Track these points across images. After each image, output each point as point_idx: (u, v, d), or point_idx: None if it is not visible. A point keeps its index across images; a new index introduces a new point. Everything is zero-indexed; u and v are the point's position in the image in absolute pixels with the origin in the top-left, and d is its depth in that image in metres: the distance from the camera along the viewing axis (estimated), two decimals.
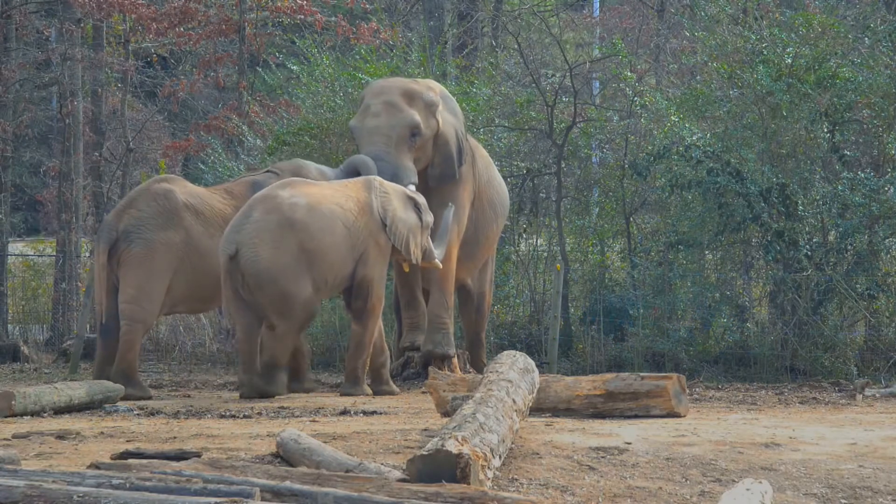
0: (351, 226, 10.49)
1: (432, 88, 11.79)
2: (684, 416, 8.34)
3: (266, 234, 10.22)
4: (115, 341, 10.83)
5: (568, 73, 15.48)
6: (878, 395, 10.58)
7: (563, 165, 14.83)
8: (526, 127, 15.24)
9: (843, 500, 6.43)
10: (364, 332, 10.69)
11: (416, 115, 11.42)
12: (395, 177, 11.14)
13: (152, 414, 9.26)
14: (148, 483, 5.12)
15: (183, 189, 11.09)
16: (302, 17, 17.98)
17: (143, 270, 10.72)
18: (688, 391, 9.13)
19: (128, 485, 5.06)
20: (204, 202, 11.08)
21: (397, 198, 10.82)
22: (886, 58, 12.99)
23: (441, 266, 11.27)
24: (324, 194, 10.53)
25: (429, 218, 11.06)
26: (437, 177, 11.66)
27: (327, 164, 13.99)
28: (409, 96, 11.53)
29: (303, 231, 10.27)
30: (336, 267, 10.46)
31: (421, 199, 11.08)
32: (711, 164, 12.63)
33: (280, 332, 10.41)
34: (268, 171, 11.54)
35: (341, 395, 10.64)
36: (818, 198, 12.60)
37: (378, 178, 10.90)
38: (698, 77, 14.94)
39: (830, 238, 12.77)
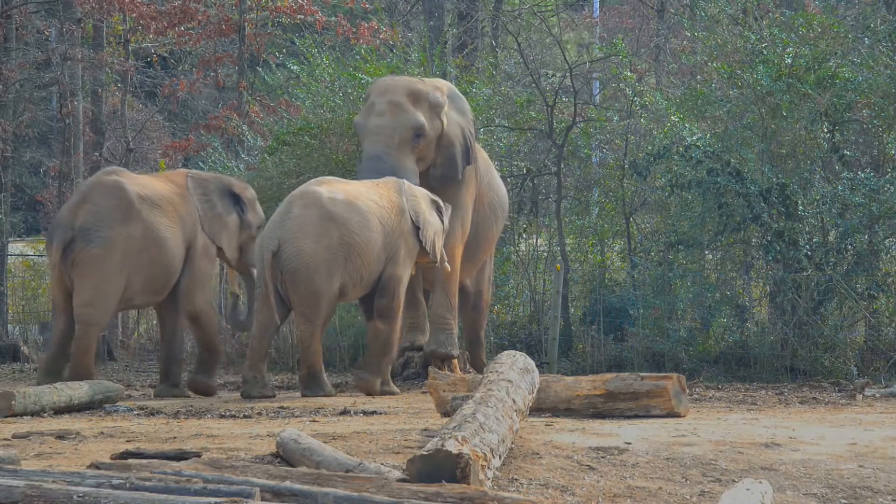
0: (385, 224, 10.60)
1: (439, 88, 11.78)
2: (684, 416, 8.34)
3: (308, 228, 10.33)
4: (66, 342, 10.59)
5: (568, 73, 15.48)
6: (878, 395, 10.59)
7: (563, 165, 14.83)
8: (526, 127, 15.23)
9: (843, 500, 6.43)
10: (391, 330, 10.78)
11: (421, 117, 11.42)
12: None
13: (152, 414, 9.26)
14: (148, 483, 5.12)
15: (133, 180, 10.83)
16: (302, 17, 17.98)
17: (101, 271, 10.41)
18: (688, 391, 9.13)
19: (128, 485, 5.06)
20: (155, 192, 10.82)
21: (424, 201, 10.95)
22: (886, 58, 12.99)
23: (450, 268, 11.32)
24: (360, 191, 10.66)
25: (447, 221, 11.17)
26: (440, 178, 11.66)
27: (327, 164, 14.06)
28: (414, 97, 11.52)
29: (343, 225, 10.38)
30: (371, 264, 10.56)
31: (442, 202, 11.18)
32: (711, 164, 12.64)
33: (305, 338, 10.52)
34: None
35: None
36: (818, 198, 12.60)
37: (405, 181, 10.98)
38: (698, 77, 14.94)
39: (830, 238, 12.77)
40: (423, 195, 11.02)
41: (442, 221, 11.07)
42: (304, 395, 10.50)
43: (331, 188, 10.58)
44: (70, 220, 10.51)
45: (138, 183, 10.83)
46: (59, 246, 10.43)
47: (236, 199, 11.26)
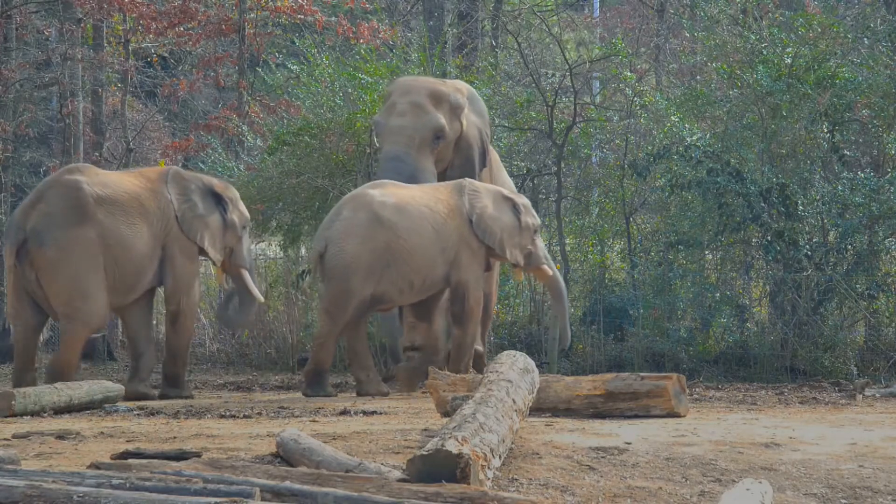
0: (440, 228, 10.55)
1: (460, 90, 11.79)
2: (684, 416, 8.33)
3: (354, 230, 10.37)
4: (30, 347, 10.43)
5: (568, 73, 15.48)
6: (878, 395, 10.59)
7: (563, 165, 14.83)
8: (526, 127, 15.23)
9: (843, 500, 6.43)
10: (464, 335, 10.78)
11: (441, 119, 11.42)
12: (413, 178, 11.13)
13: (152, 414, 9.25)
14: (148, 483, 5.11)
15: (93, 179, 10.48)
16: (302, 17, 17.99)
17: (66, 270, 10.17)
18: (688, 391, 9.13)
19: (128, 485, 5.06)
20: (118, 189, 10.49)
21: (489, 197, 10.87)
22: (886, 58, 13.01)
23: (550, 273, 11.25)
24: (413, 195, 10.63)
25: (530, 220, 11.00)
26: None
27: (327, 164, 14.06)
28: (435, 98, 11.51)
29: (390, 229, 10.38)
30: (424, 269, 10.53)
31: (522, 199, 11.10)
32: (711, 164, 12.65)
33: (322, 335, 10.55)
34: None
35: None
36: (818, 198, 12.61)
37: (469, 180, 10.96)
38: (698, 77, 14.95)
39: (830, 238, 12.78)
40: (488, 192, 10.93)
41: (518, 219, 10.91)
42: (304, 394, 10.49)
43: (383, 191, 10.57)
44: (22, 220, 10.26)
45: (100, 182, 10.49)
46: (13, 248, 10.19)
47: (218, 199, 11.03)
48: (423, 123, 11.35)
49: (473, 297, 10.73)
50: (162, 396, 10.77)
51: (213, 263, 11.37)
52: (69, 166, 11.25)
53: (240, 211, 11.23)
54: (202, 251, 11.02)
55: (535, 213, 11.19)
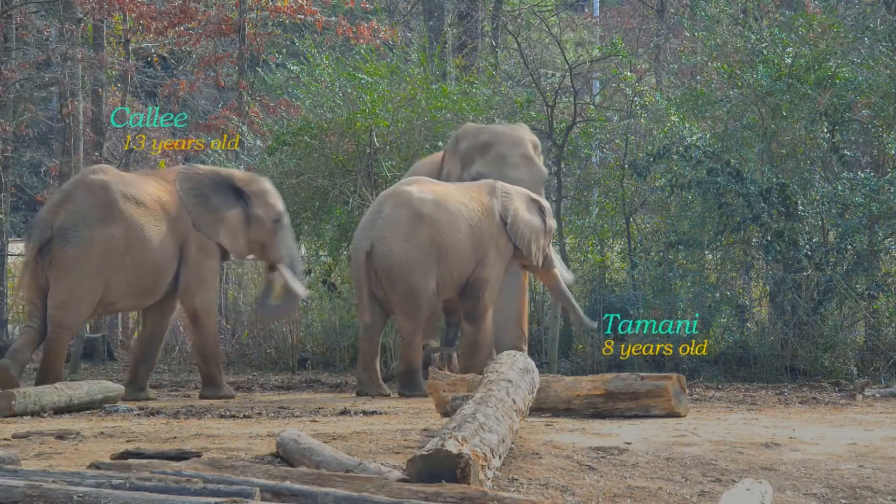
0: (475, 226, 10.65)
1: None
2: (684, 416, 8.34)
3: (398, 228, 10.41)
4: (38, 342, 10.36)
5: (568, 73, 15.49)
6: (878, 395, 10.59)
7: (563, 165, 14.83)
8: None
9: (843, 500, 6.43)
10: (477, 332, 10.79)
11: (545, 170, 11.82)
12: None
13: (152, 414, 9.25)
14: (148, 483, 5.11)
15: (118, 179, 10.51)
16: (302, 17, 18.01)
17: (77, 273, 10.13)
18: (688, 391, 9.13)
19: (128, 485, 5.06)
20: (141, 190, 10.48)
21: (520, 199, 10.97)
22: (886, 58, 13.00)
23: (559, 276, 11.35)
24: (449, 193, 10.73)
25: (552, 223, 11.17)
26: None
27: (327, 164, 14.06)
28: (536, 148, 11.86)
29: (432, 225, 10.45)
30: (460, 265, 10.61)
31: (545, 203, 11.24)
32: (711, 164, 12.64)
33: (406, 335, 10.57)
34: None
35: None
36: (818, 198, 12.61)
37: (500, 182, 11.06)
38: (698, 77, 14.94)
39: (830, 238, 12.77)
40: (519, 194, 11.03)
41: (544, 222, 11.04)
42: (401, 395, 10.44)
43: (421, 188, 10.64)
44: (50, 219, 10.25)
45: (124, 181, 10.51)
46: (36, 245, 10.18)
47: (238, 193, 10.86)
48: (536, 176, 11.65)
49: (489, 295, 10.77)
50: (202, 397, 10.74)
51: (236, 258, 11.25)
52: (91, 167, 11.23)
53: (267, 204, 10.98)
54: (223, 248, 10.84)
55: (553, 217, 11.32)
